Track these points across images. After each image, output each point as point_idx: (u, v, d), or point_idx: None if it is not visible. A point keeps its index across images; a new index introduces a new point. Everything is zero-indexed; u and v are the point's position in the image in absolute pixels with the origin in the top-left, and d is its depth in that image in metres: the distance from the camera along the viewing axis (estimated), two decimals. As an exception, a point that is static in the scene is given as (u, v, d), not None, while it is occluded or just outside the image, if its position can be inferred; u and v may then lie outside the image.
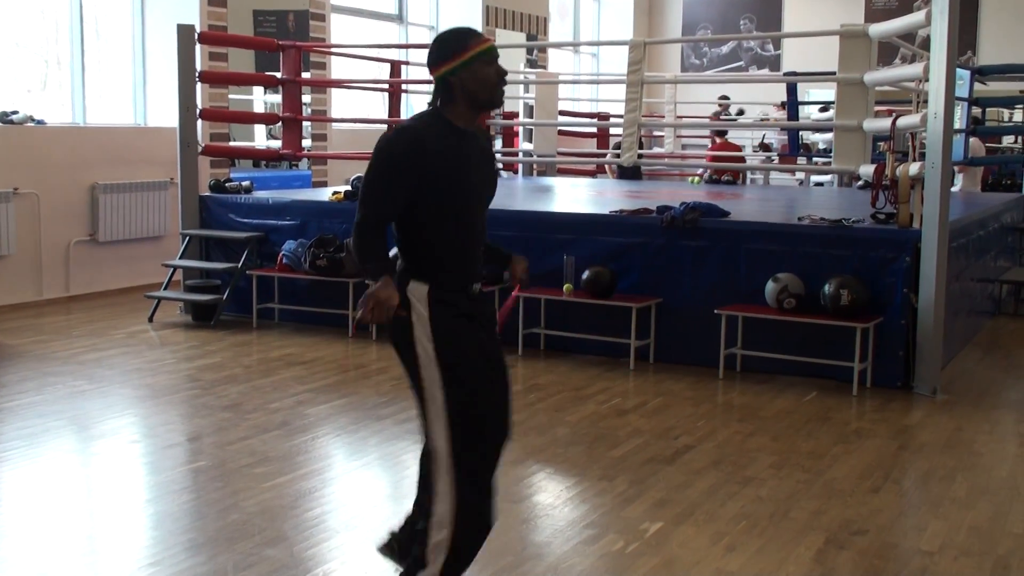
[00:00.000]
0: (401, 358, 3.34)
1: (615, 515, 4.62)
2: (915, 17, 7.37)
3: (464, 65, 3.26)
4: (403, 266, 3.33)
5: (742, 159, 13.83)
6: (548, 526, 4.53)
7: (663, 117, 15.49)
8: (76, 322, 8.80)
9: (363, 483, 5.19)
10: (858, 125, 8.10)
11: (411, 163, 3.19)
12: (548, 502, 4.86)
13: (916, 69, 7.34)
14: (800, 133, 13.29)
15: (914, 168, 6.91)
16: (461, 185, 3.29)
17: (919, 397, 6.73)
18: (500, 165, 13.32)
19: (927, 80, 6.74)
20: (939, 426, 6.14)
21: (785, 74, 13.33)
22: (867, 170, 7.81)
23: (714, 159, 13.15)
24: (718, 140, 13.93)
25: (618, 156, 9.41)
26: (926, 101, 6.79)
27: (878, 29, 8.09)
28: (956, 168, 10.79)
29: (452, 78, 3.27)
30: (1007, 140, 16.34)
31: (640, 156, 10.13)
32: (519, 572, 4.00)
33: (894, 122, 7.40)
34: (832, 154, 8.59)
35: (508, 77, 3.38)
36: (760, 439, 5.79)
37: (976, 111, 12.40)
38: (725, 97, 16.77)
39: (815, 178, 14.83)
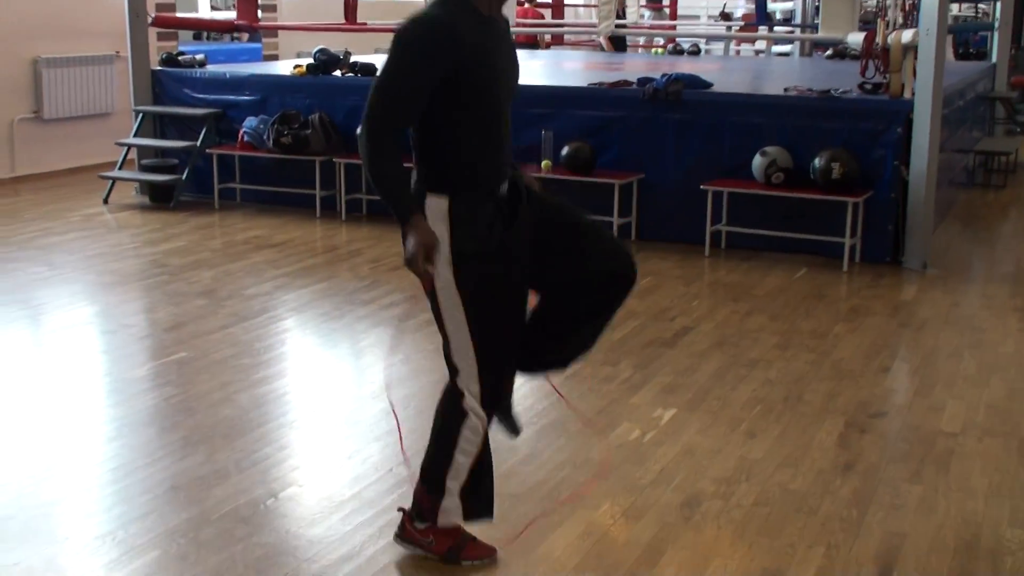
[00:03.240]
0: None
1: (624, 403, 4.45)
2: None
3: None
4: (418, 176, 2.96)
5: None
6: (557, 417, 4.32)
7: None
8: (26, 204, 8.38)
9: (358, 373, 4.97)
10: (847, -9, 7.82)
11: (443, 55, 2.79)
12: (550, 390, 4.65)
13: (912, -69, 7.05)
14: (765, 2, 12.94)
15: (907, 36, 6.66)
16: (494, 77, 2.94)
17: (909, 272, 6.60)
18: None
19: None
20: (935, 302, 6.03)
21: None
22: (856, 38, 7.56)
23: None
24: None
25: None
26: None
27: None
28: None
29: None
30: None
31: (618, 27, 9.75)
32: (535, 466, 3.81)
33: (887, -12, 7.14)
34: (820, 21, 8.31)
35: None
36: (758, 319, 5.63)
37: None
38: None
39: (776, 48, 14.57)
